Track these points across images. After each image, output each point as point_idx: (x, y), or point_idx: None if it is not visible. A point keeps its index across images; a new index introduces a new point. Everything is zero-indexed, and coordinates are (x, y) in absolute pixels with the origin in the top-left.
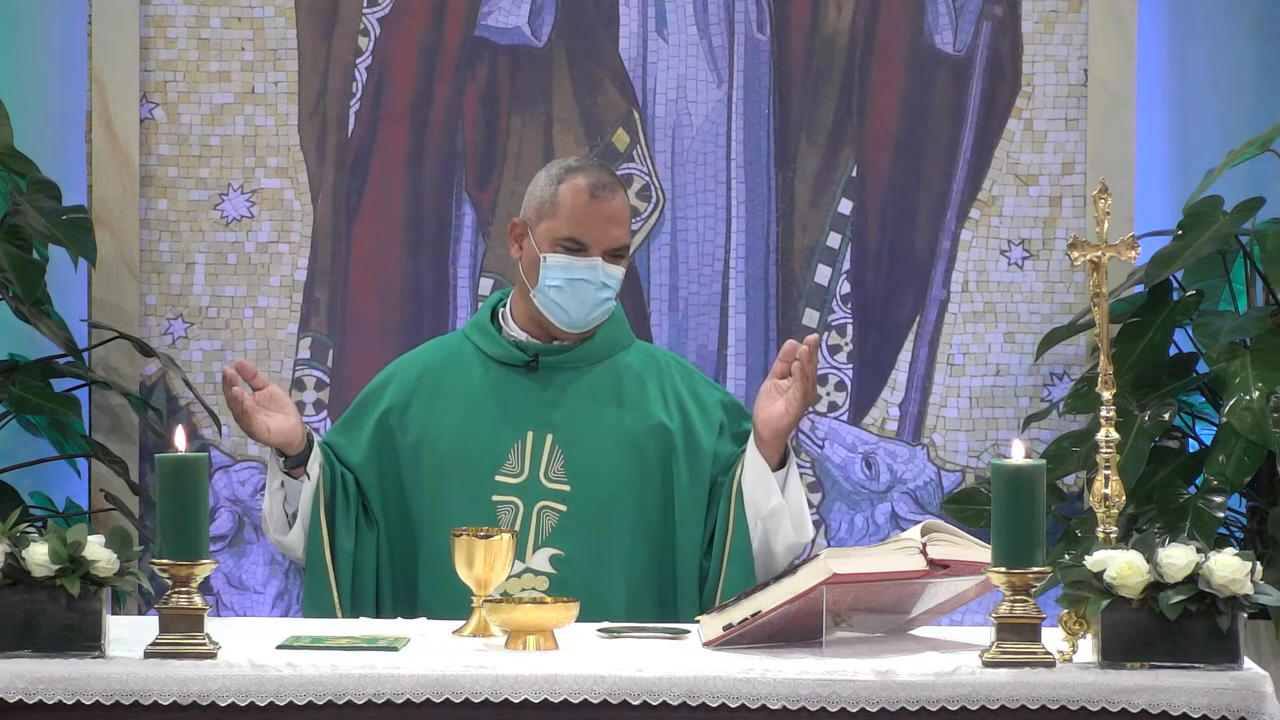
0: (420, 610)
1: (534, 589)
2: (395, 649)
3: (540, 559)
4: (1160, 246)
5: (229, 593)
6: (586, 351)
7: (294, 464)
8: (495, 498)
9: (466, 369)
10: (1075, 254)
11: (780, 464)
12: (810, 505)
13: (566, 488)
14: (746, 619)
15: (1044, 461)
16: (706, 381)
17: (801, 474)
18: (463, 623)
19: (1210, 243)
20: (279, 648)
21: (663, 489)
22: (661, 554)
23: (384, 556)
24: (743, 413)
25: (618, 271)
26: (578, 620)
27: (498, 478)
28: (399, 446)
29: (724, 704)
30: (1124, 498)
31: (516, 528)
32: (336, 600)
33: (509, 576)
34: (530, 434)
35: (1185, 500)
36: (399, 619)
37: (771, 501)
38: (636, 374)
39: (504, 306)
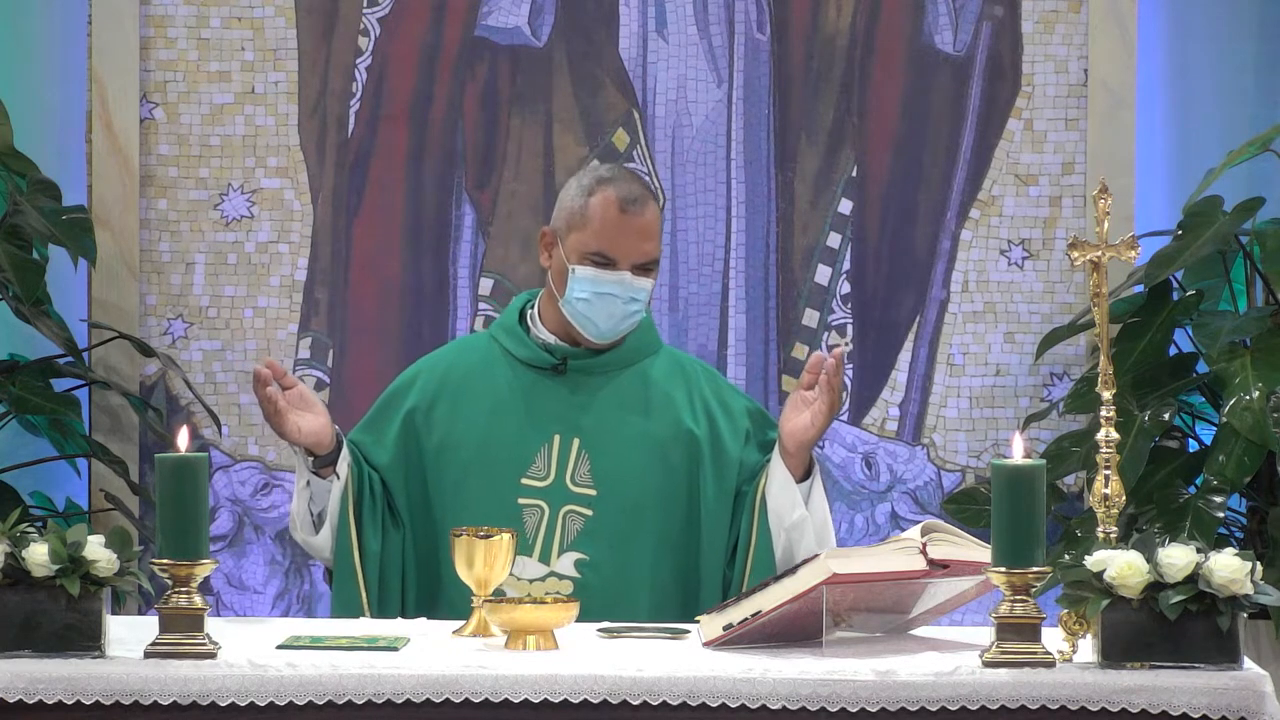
0: (444, 611)
1: (558, 593)
2: (395, 649)
3: (565, 563)
4: (1160, 246)
5: (229, 593)
6: (615, 357)
7: (322, 464)
8: (521, 500)
9: (493, 370)
10: (1075, 254)
11: (805, 475)
12: None
13: (592, 492)
14: (746, 619)
15: (1044, 461)
16: (732, 388)
17: None
18: (463, 623)
19: (1210, 243)
20: (279, 648)
21: (688, 496)
22: (686, 561)
23: (409, 557)
24: (769, 421)
25: (647, 284)
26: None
27: (524, 480)
28: (424, 447)
29: (724, 704)
30: (1124, 498)
31: (542, 531)
32: (365, 602)
33: (533, 580)
34: (557, 437)
35: (1185, 500)
36: (421, 619)
37: (795, 513)
38: (664, 380)
39: (532, 308)
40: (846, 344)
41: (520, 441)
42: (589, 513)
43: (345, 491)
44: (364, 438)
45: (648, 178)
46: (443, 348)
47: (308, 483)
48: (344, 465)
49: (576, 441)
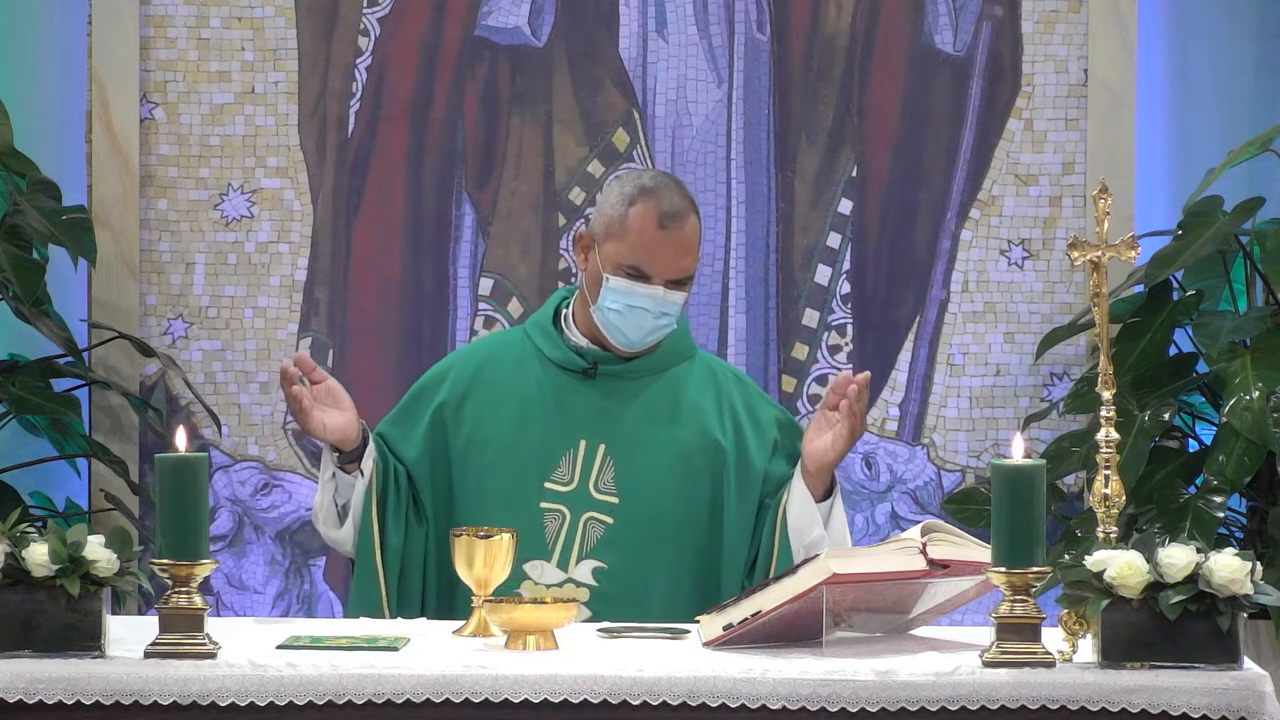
0: (462, 608)
1: (574, 600)
2: (395, 649)
3: (583, 570)
4: (1160, 246)
5: (229, 593)
6: (647, 362)
7: (347, 459)
8: (543, 504)
9: (525, 368)
10: (1075, 254)
11: (826, 494)
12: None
13: (615, 500)
14: (746, 619)
15: (1044, 461)
16: (763, 398)
17: None
18: (463, 623)
19: (1210, 243)
20: (279, 648)
21: (710, 507)
22: (706, 572)
23: (431, 553)
24: (798, 431)
25: (679, 298)
26: None
27: (547, 485)
28: (451, 443)
29: (724, 704)
30: (1124, 498)
31: (562, 537)
32: (385, 599)
33: (550, 585)
34: (583, 442)
35: (1185, 500)
36: (421, 619)
37: (814, 532)
38: (695, 388)
39: (567, 308)
40: (847, 344)
41: (546, 445)
42: (610, 520)
43: (369, 489)
44: (392, 431)
45: None
46: (477, 341)
47: (333, 475)
48: (369, 462)
49: (602, 448)
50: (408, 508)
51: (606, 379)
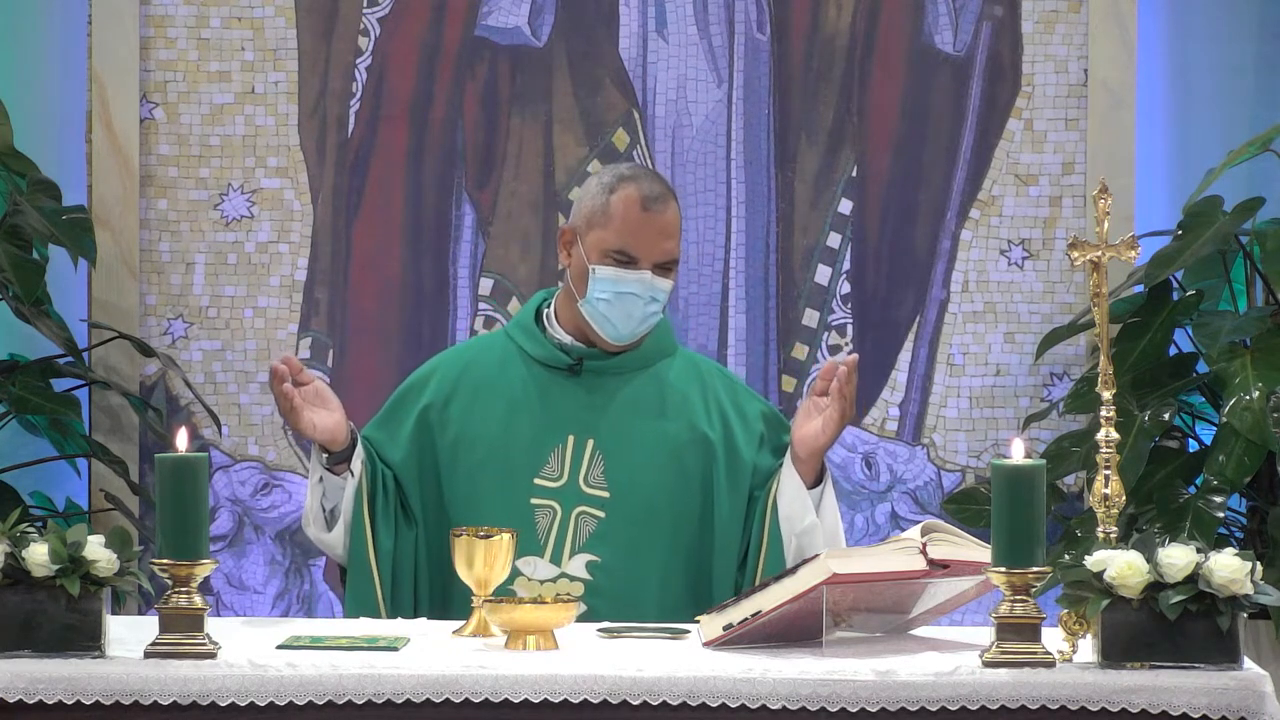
0: (456, 610)
1: (568, 594)
2: (395, 649)
3: (576, 565)
4: (1160, 246)
5: (229, 593)
6: (631, 358)
7: (336, 460)
8: (534, 500)
9: (509, 368)
10: (1075, 254)
11: (817, 482)
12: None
13: (605, 494)
14: (746, 619)
15: (1044, 461)
16: (748, 392)
17: None
18: (463, 623)
19: (1210, 243)
20: (279, 648)
21: (702, 500)
22: (698, 565)
23: (422, 555)
24: (783, 425)
25: (666, 285)
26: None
27: (537, 480)
28: (438, 444)
29: (724, 704)
30: (1124, 498)
31: (554, 532)
32: (381, 600)
33: (544, 581)
34: (571, 438)
35: (1185, 500)
36: (421, 619)
37: (806, 519)
38: (680, 383)
39: (548, 307)
40: (847, 344)
41: (534, 441)
42: (601, 514)
43: (359, 489)
44: (377, 434)
45: None
46: (460, 345)
47: (321, 478)
48: (358, 463)
49: (590, 443)
50: (396, 510)
51: (592, 375)
